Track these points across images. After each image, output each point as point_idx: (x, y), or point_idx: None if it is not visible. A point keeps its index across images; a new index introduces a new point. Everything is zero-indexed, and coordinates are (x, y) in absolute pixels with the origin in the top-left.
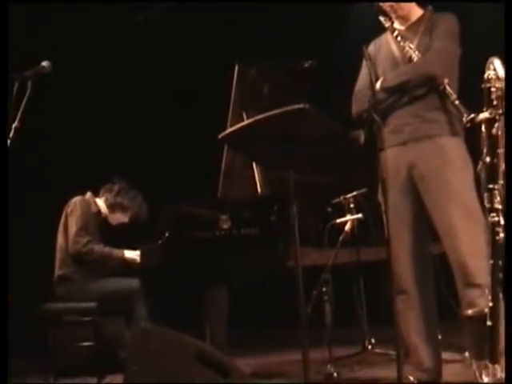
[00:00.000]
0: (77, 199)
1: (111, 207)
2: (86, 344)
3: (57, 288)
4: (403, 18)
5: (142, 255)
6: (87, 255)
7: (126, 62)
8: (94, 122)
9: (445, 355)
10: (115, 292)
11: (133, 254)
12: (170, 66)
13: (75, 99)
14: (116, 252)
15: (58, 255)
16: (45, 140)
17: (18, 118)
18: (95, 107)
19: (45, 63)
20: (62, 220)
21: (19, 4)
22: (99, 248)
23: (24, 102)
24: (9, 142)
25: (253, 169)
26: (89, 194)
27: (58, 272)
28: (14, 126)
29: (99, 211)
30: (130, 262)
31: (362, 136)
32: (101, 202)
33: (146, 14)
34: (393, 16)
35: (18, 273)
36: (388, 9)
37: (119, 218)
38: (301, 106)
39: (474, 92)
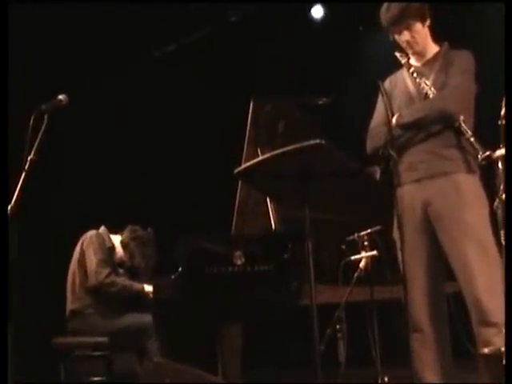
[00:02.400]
0: (92, 233)
1: (122, 245)
2: (97, 379)
3: (69, 322)
4: (419, 54)
5: (154, 289)
6: (109, 287)
7: (141, 95)
8: (109, 156)
9: None
10: (127, 328)
11: (151, 288)
12: (183, 101)
13: (91, 133)
14: (136, 285)
15: (71, 289)
16: (60, 172)
17: (34, 150)
18: (111, 140)
19: (61, 96)
20: (77, 254)
21: (37, 36)
22: (121, 280)
23: (40, 135)
24: (24, 173)
25: (267, 205)
26: (102, 229)
27: (70, 306)
28: (29, 158)
29: (113, 246)
30: (147, 297)
31: (377, 172)
32: (116, 238)
33: (162, 50)
34: (409, 52)
35: (31, 306)
36: (404, 44)
37: (123, 256)
38: (317, 141)
39: (489, 129)
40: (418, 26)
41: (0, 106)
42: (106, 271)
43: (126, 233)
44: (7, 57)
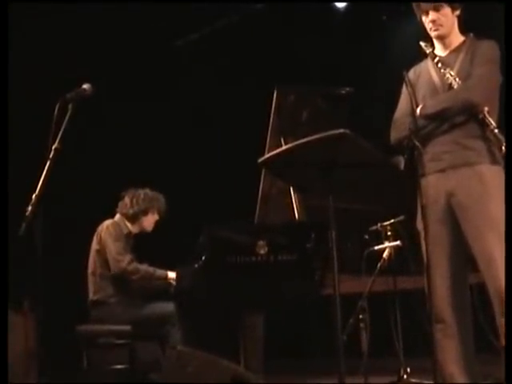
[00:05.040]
0: (108, 223)
1: (134, 218)
2: (120, 367)
3: (92, 312)
4: (443, 42)
5: (177, 278)
6: (132, 274)
7: (163, 85)
8: (130, 145)
9: None
10: (150, 316)
11: (175, 275)
12: (207, 90)
13: (112, 122)
14: (160, 272)
15: (92, 280)
16: (79, 161)
17: (58, 139)
18: (132, 129)
19: (86, 86)
20: (95, 245)
21: (62, 28)
22: (144, 267)
23: (64, 124)
24: (48, 162)
25: (290, 194)
26: (118, 216)
27: (93, 297)
28: (54, 147)
29: (130, 232)
30: (170, 283)
31: (401, 162)
32: (127, 222)
33: (184, 39)
34: (432, 34)
35: (53, 295)
36: (430, 25)
37: (149, 220)
38: (341, 130)
39: None
40: (447, 10)
41: (0, 106)
42: (127, 258)
43: (123, 211)
44: (7, 56)
